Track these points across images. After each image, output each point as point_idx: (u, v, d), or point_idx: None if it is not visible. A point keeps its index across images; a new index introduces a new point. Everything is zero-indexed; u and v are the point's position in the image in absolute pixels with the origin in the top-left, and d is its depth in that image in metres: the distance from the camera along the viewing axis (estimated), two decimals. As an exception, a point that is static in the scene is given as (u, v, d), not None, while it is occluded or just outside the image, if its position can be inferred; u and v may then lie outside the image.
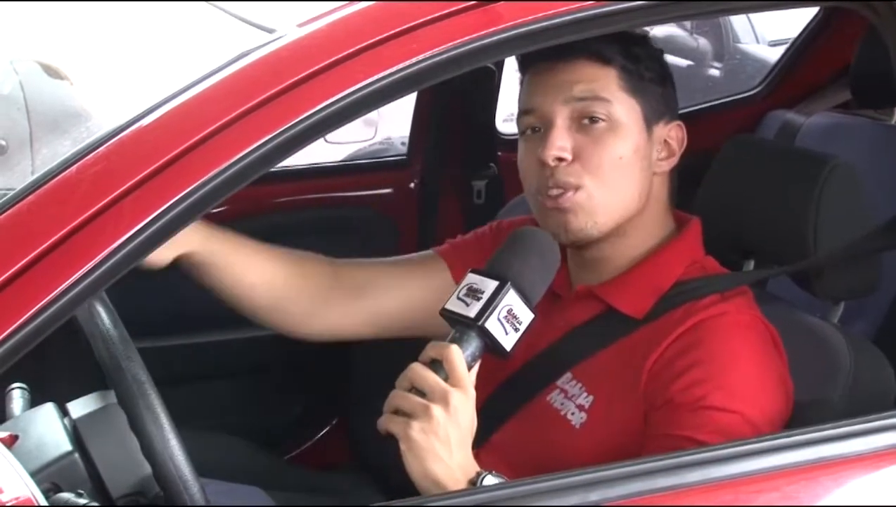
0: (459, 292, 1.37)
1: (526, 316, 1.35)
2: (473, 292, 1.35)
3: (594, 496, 1.25)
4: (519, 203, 2.16)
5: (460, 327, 1.35)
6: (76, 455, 1.33)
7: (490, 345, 1.34)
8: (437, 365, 1.31)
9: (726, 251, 1.68)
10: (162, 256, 1.51)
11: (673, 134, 1.59)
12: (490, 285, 1.35)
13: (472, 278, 1.37)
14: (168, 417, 1.29)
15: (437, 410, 1.28)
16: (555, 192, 1.52)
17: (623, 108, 1.53)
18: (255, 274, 1.62)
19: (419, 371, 1.31)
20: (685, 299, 1.52)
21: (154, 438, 1.27)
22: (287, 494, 1.91)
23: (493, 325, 1.33)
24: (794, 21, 2.91)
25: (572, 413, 1.51)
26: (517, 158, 1.62)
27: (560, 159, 1.51)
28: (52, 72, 3.57)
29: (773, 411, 1.45)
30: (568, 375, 1.55)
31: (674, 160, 1.60)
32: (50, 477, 1.29)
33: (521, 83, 1.62)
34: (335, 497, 2.02)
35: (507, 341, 1.34)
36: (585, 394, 1.51)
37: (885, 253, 1.66)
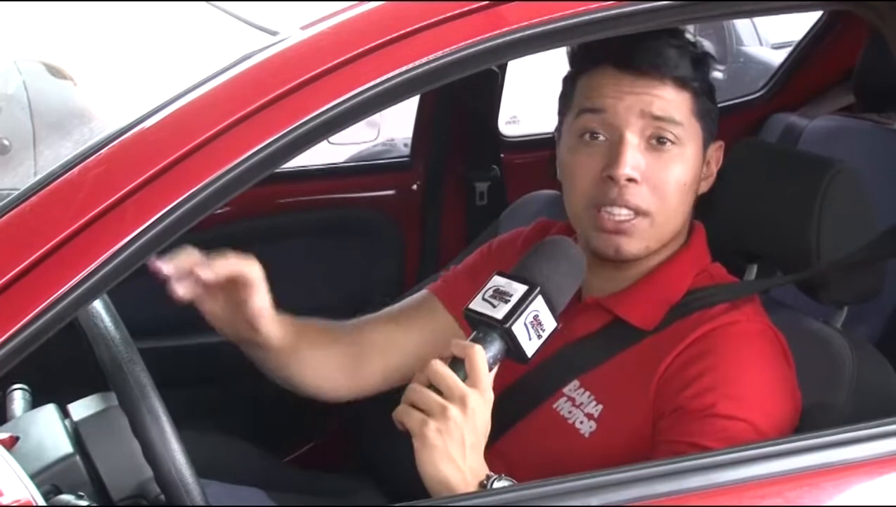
0: (485, 293, 1.35)
1: (550, 324, 1.34)
2: (500, 295, 1.34)
3: (595, 501, 1.24)
4: (521, 205, 2.16)
5: (483, 327, 1.34)
6: (77, 457, 1.33)
7: (512, 349, 1.33)
8: (456, 364, 1.30)
9: (730, 255, 1.67)
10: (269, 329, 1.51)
11: (716, 156, 1.59)
12: (519, 289, 1.34)
13: (498, 281, 1.36)
14: (169, 419, 1.29)
15: (454, 411, 1.27)
16: (620, 214, 1.48)
17: (690, 133, 1.51)
18: (320, 374, 1.63)
19: (439, 369, 1.29)
20: (696, 308, 1.51)
21: (155, 440, 1.27)
22: (288, 496, 1.91)
23: (519, 329, 1.32)
24: (798, 24, 2.90)
25: (581, 422, 1.50)
26: (557, 159, 1.57)
27: (630, 179, 1.48)
28: (55, 72, 3.56)
29: (782, 419, 1.44)
30: (575, 382, 1.53)
31: (712, 180, 1.59)
32: (50, 479, 1.29)
33: (575, 79, 1.55)
34: (336, 499, 2.02)
35: (530, 346, 1.33)
36: (595, 403, 1.50)
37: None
